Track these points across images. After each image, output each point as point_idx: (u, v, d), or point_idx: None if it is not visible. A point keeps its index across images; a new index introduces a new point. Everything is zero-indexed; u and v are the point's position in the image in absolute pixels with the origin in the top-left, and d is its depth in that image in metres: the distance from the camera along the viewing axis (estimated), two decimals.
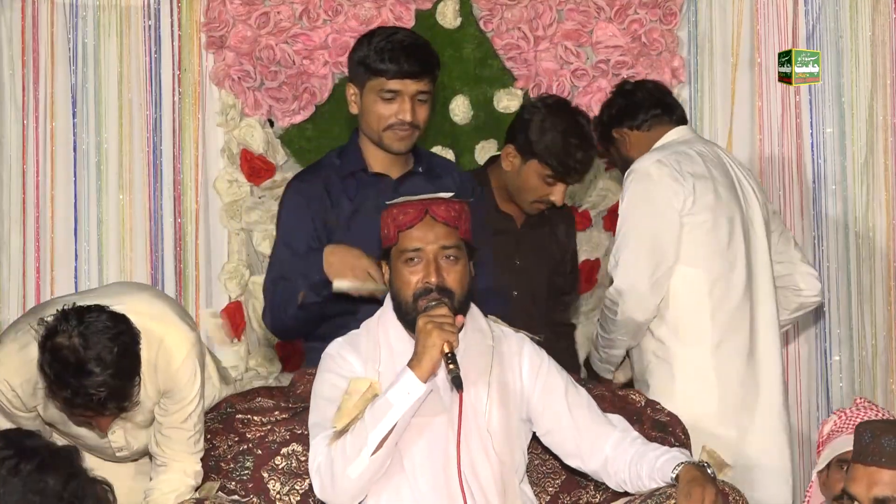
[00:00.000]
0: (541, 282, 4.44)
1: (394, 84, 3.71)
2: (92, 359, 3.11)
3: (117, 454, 3.60)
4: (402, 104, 3.71)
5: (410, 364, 3.25)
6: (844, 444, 3.86)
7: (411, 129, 3.74)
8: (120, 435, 3.54)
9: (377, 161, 3.82)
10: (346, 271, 3.63)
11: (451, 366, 3.21)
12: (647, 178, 4.11)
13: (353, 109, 3.82)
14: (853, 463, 2.95)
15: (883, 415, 3.92)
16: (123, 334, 3.19)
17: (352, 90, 3.80)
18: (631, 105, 4.31)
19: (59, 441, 3.52)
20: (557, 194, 4.30)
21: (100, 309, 3.23)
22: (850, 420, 3.92)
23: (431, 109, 3.80)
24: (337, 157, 3.88)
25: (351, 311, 3.66)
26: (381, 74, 3.70)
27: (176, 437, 3.50)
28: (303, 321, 3.70)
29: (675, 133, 4.28)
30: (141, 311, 3.36)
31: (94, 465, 3.29)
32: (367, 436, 3.21)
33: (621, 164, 4.35)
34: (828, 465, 3.86)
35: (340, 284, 3.64)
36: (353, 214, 3.78)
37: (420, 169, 3.87)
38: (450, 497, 3.29)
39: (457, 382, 3.21)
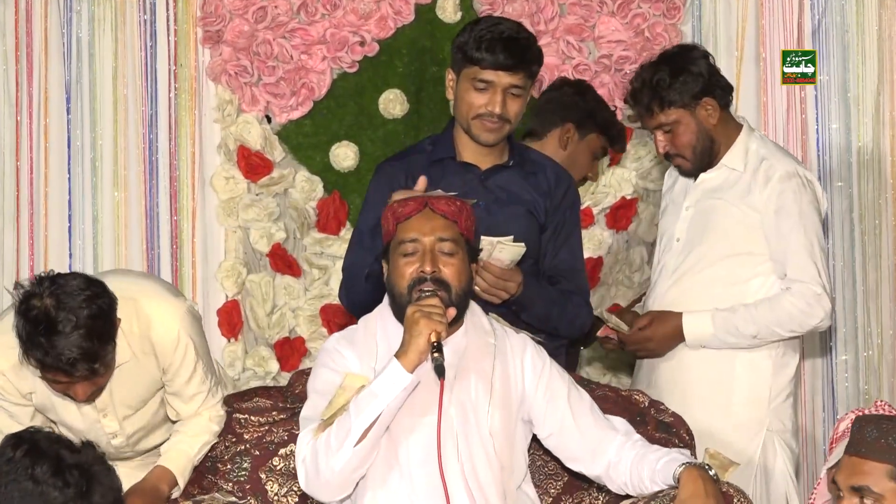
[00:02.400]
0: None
1: (487, 74, 3.71)
2: (63, 319, 3.14)
3: (113, 442, 3.58)
4: (494, 95, 3.72)
5: (397, 354, 3.22)
6: None
7: (500, 121, 3.74)
8: (113, 419, 3.53)
9: (468, 151, 3.82)
10: None
11: (436, 354, 3.18)
12: (812, 184, 4.12)
13: (449, 95, 3.83)
14: (844, 454, 2.96)
15: None
16: (99, 297, 3.22)
17: (450, 76, 3.82)
18: (722, 78, 4.18)
19: None
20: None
21: (76, 274, 3.28)
22: None
23: (524, 104, 3.80)
24: (430, 144, 3.90)
25: None
26: (475, 63, 3.72)
27: (187, 394, 3.54)
28: (371, 292, 3.65)
29: (754, 130, 4.25)
30: (126, 290, 3.39)
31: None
32: (350, 426, 3.19)
33: (698, 137, 4.10)
34: (838, 462, 3.84)
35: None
36: None
37: (511, 163, 3.85)
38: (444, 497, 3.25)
39: (439, 371, 3.18)
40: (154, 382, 3.52)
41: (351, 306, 3.80)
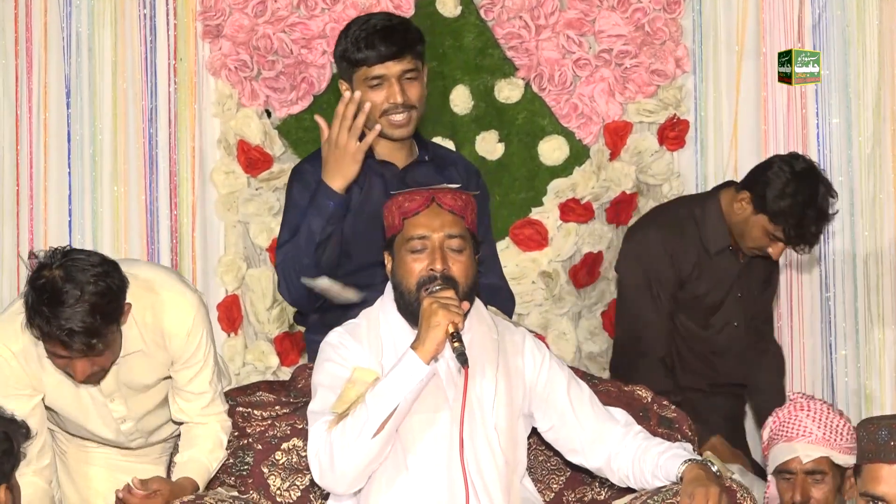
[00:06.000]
0: (752, 314, 4.58)
1: (377, 69, 3.68)
2: (69, 290, 3.16)
3: (123, 428, 3.59)
4: (391, 87, 3.69)
5: (413, 345, 3.21)
6: (781, 453, 3.71)
7: (406, 110, 3.71)
8: (120, 403, 3.54)
9: (382, 148, 3.79)
10: (337, 174, 3.65)
11: (457, 343, 3.17)
12: None
13: None
14: (870, 464, 2.90)
15: (827, 409, 3.78)
16: (109, 276, 3.23)
17: (344, 86, 3.78)
18: None
19: (66, 445, 3.66)
20: (777, 251, 4.32)
21: (93, 252, 3.29)
22: (785, 425, 3.73)
23: (423, 86, 3.76)
24: None
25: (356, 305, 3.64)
26: (362, 63, 3.69)
27: (193, 391, 3.53)
28: (322, 267, 3.63)
29: None
30: (142, 279, 3.40)
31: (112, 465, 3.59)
32: (367, 418, 3.18)
33: None
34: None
35: (322, 283, 3.64)
36: (362, 201, 3.75)
37: (426, 157, 3.84)
38: (454, 494, 3.25)
39: (462, 359, 3.17)
40: (162, 372, 3.52)
41: (296, 293, 3.73)
